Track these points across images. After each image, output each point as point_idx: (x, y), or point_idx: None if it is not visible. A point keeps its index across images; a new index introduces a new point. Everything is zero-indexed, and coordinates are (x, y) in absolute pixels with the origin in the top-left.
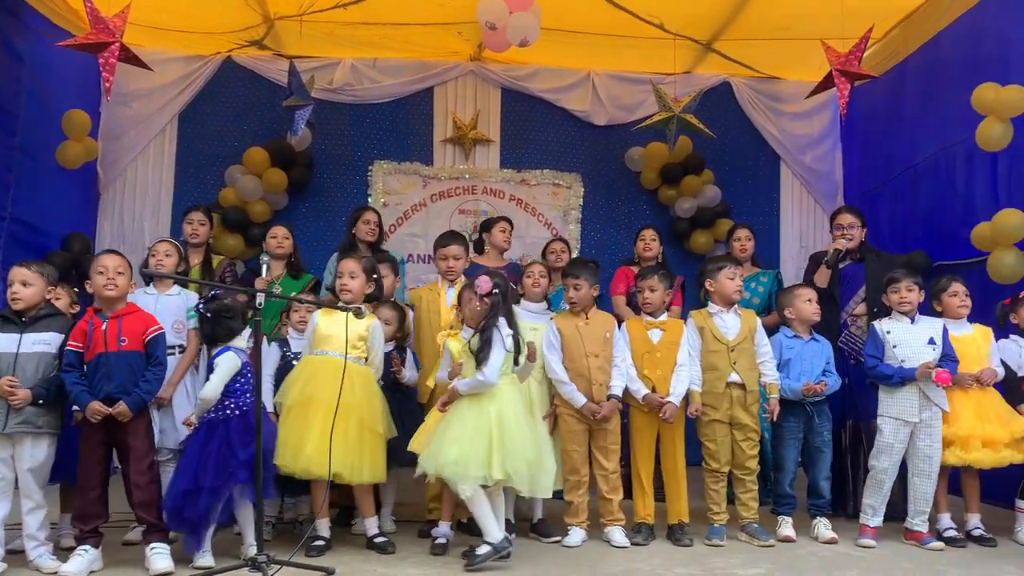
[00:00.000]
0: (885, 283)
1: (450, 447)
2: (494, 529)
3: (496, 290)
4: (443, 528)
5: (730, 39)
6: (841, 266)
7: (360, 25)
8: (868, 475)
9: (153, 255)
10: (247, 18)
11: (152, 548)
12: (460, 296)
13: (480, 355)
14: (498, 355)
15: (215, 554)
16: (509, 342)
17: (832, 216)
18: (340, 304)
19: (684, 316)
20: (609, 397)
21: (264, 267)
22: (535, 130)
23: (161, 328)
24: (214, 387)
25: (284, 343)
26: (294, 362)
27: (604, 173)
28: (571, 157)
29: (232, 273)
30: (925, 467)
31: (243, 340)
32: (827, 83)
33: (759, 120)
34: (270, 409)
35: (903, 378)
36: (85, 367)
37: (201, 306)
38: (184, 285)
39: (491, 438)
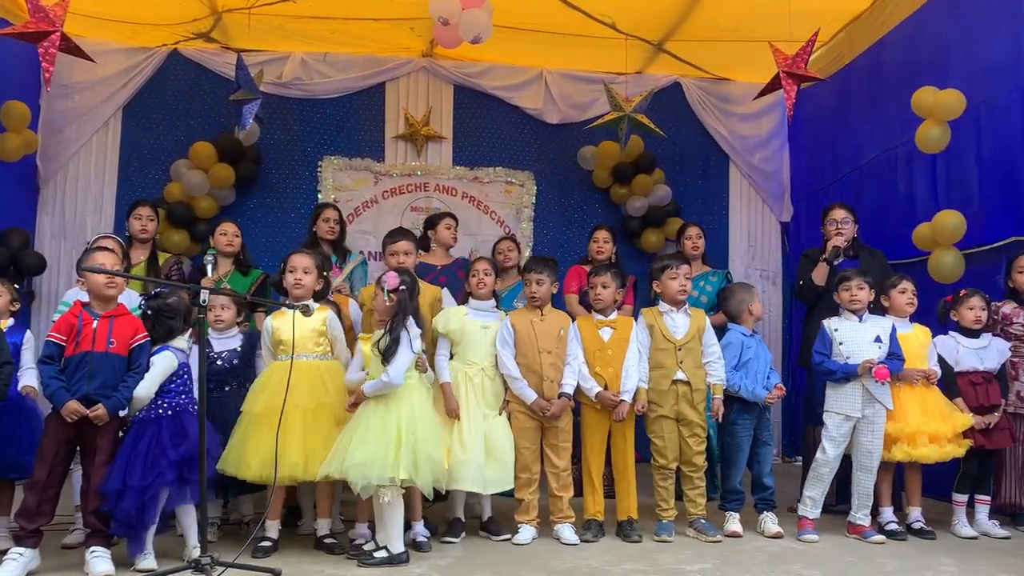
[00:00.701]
0: (836, 282)
1: (356, 449)
2: (397, 540)
3: (403, 287)
4: (419, 526)
5: (681, 40)
6: (835, 263)
7: (310, 19)
8: (810, 467)
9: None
10: (194, 10)
11: (92, 552)
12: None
13: (387, 355)
14: (404, 356)
15: (159, 556)
16: (417, 344)
17: (824, 212)
18: (288, 303)
19: (636, 315)
20: (560, 395)
21: (209, 266)
22: (488, 127)
23: (147, 336)
24: (148, 386)
25: (206, 344)
26: (218, 362)
27: (557, 171)
28: (524, 155)
29: (179, 271)
30: (867, 462)
31: (183, 340)
32: (775, 85)
33: (709, 120)
34: None
35: (846, 374)
36: (63, 361)
37: (142, 303)
38: (125, 283)
39: (399, 439)
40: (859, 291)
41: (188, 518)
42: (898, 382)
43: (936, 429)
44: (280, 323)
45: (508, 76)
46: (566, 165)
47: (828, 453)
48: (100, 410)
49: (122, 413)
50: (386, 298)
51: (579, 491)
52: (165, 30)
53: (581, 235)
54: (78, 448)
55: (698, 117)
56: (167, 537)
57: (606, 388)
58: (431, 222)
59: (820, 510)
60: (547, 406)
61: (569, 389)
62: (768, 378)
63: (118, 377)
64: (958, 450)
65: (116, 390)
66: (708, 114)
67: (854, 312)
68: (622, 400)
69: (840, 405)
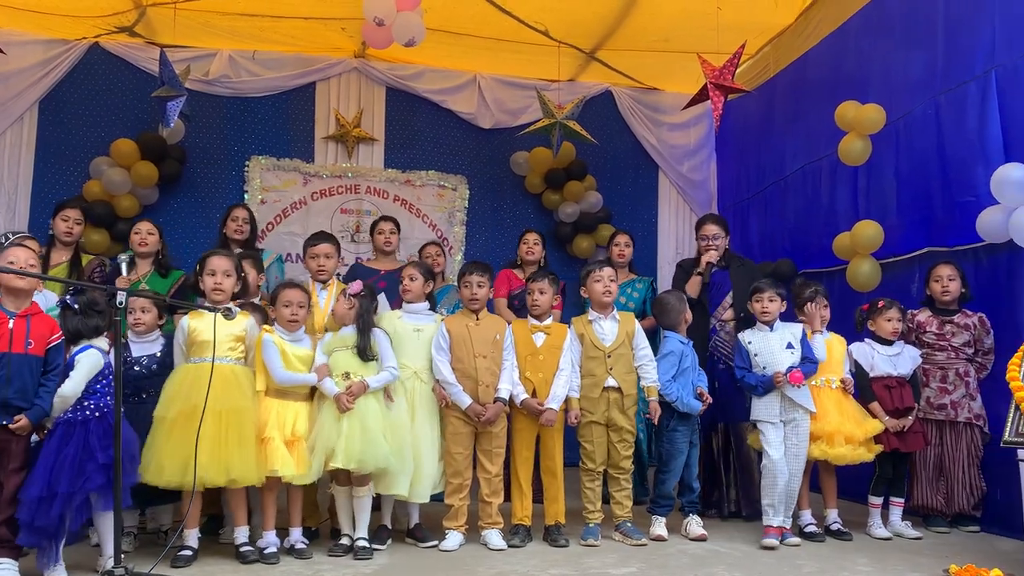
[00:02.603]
0: (750, 292)
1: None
2: (344, 527)
3: (363, 292)
4: (296, 534)
5: (612, 49)
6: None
7: (238, 16)
8: (761, 476)
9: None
10: (116, 3)
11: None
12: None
13: (369, 354)
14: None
15: (70, 567)
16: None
17: (697, 226)
18: (208, 306)
19: (564, 320)
20: (496, 399)
21: (123, 265)
22: (420, 131)
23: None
24: (75, 385)
25: (124, 347)
26: (135, 368)
27: (490, 176)
28: (457, 159)
29: (101, 272)
30: (794, 465)
31: (104, 341)
32: (702, 96)
33: (639, 129)
34: None
35: (765, 388)
36: None
37: (68, 298)
38: (42, 283)
39: (347, 430)
40: (770, 303)
41: (106, 527)
42: (811, 383)
43: (851, 431)
44: (199, 324)
45: (441, 80)
46: (499, 170)
47: (772, 457)
48: (22, 421)
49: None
50: (347, 304)
51: (507, 496)
52: (86, 22)
53: (513, 240)
54: None
55: (629, 126)
56: (79, 548)
57: (534, 394)
58: (372, 227)
59: (782, 516)
60: (482, 411)
61: (505, 394)
62: (693, 383)
63: (35, 379)
64: (867, 454)
65: (37, 395)
66: (638, 123)
67: (765, 323)
68: (548, 408)
69: (763, 413)
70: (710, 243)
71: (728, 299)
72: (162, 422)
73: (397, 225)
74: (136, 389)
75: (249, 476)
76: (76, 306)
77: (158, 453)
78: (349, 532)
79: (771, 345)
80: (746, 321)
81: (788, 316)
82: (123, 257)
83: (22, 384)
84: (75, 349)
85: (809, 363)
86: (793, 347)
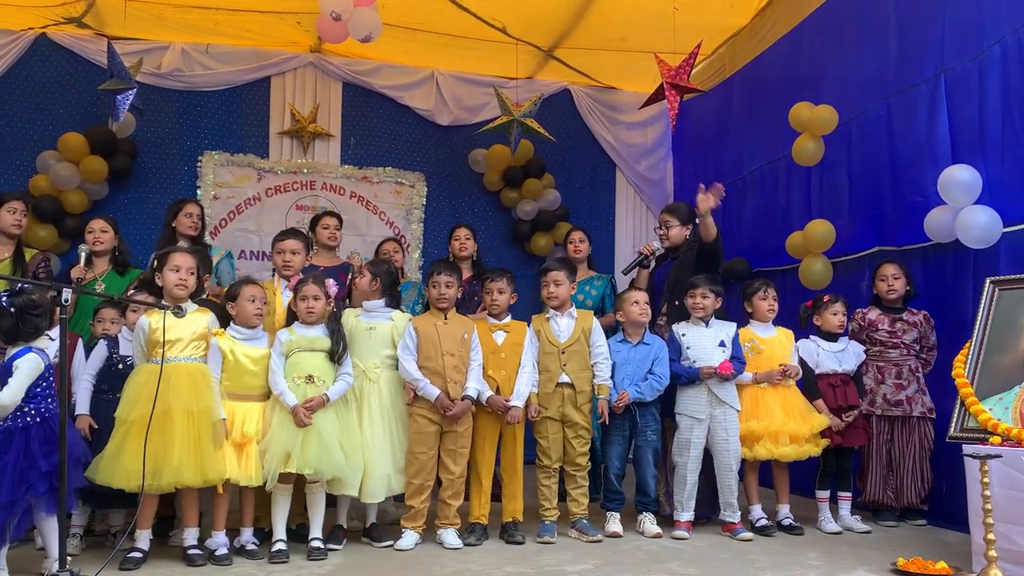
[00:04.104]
0: (686, 287)
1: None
2: (277, 530)
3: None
4: (247, 534)
5: (570, 48)
6: (643, 267)
7: (191, 8)
8: (674, 471)
9: None
10: None
11: None
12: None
13: (341, 354)
14: (348, 353)
15: (13, 572)
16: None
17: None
18: (159, 303)
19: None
20: (464, 397)
21: (83, 255)
22: (378, 127)
23: None
24: (13, 392)
25: (113, 343)
26: (119, 366)
27: (448, 173)
28: (415, 156)
29: (46, 268)
30: (725, 459)
31: (46, 341)
32: (659, 95)
33: (596, 128)
34: (85, 411)
35: (690, 378)
36: None
37: (4, 299)
38: None
39: (303, 437)
40: (703, 299)
41: (50, 530)
42: (762, 383)
43: (796, 429)
44: (159, 323)
45: (399, 76)
46: (457, 167)
47: (683, 457)
48: None
49: None
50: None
51: (466, 495)
52: (32, 12)
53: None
54: None
55: (587, 124)
56: (22, 551)
57: (498, 391)
58: (313, 222)
59: (692, 512)
60: (450, 405)
61: (473, 393)
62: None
63: None
64: (815, 449)
65: None
66: (596, 121)
67: (700, 319)
68: (514, 405)
69: (688, 408)
70: (660, 230)
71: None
72: (124, 424)
73: (341, 221)
74: (115, 387)
75: (223, 476)
76: (11, 308)
77: (125, 456)
78: (282, 536)
79: (704, 340)
80: (680, 311)
81: (738, 313)
82: (84, 249)
83: None
84: (12, 352)
85: (738, 363)
86: (725, 345)
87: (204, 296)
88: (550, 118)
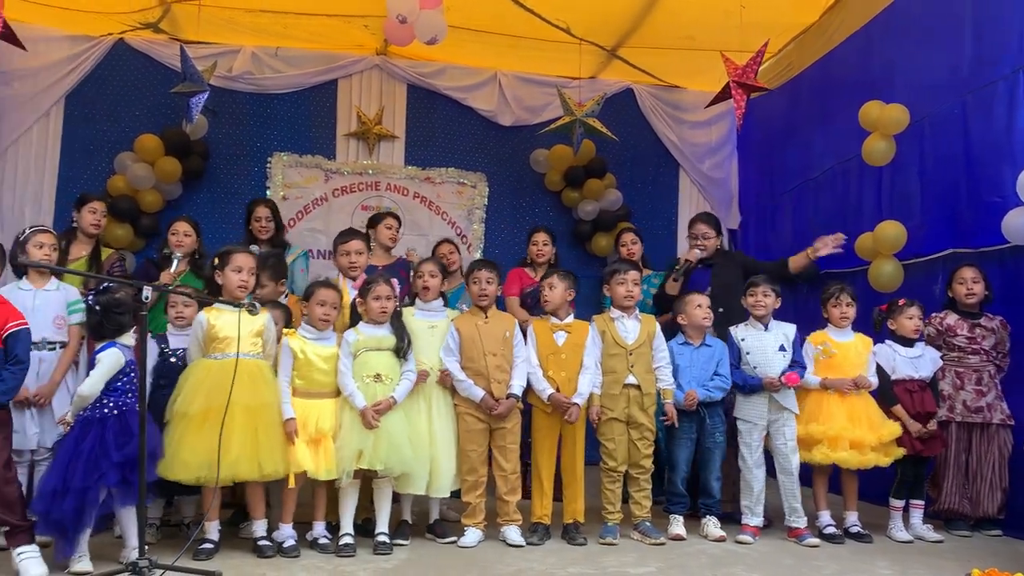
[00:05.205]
0: (745, 287)
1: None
2: (345, 524)
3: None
4: (319, 528)
5: (634, 47)
6: (683, 274)
7: (262, 13)
8: (739, 477)
9: (37, 246)
10: None
11: (20, 553)
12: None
13: (406, 350)
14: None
15: (95, 558)
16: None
17: (690, 224)
18: (234, 302)
19: (581, 318)
20: (509, 395)
21: (175, 260)
22: (441, 128)
23: (24, 323)
24: (94, 383)
25: (163, 339)
26: (172, 359)
27: (509, 173)
28: (476, 156)
29: (121, 267)
30: (784, 464)
31: (130, 337)
32: (725, 94)
33: (660, 127)
34: None
35: (752, 387)
36: None
37: (91, 298)
38: (60, 277)
39: (374, 434)
40: (764, 297)
41: (128, 519)
42: (830, 390)
43: (860, 436)
44: (217, 320)
45: (462, 77)
46: (518, 167)
47: (747, 460)
48: None
49: (67, 414)
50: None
51: (527, 493)
52: (111, 19)
53: None
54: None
55: (649, 123)
56: (102, 538)
57: (558, 392)
58: (372, 221)
59: (761, 517)
60: (495, 405)
61: (517, 390)
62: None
63: None
64: (884, 459)
65: None
66: (659, 121)
67: (759, 319)
68: (574, 404)
69: (747, 413)
70: (699, 241)
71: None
72: (184, 418)
73: (400, 222)
74: (171, 380)
75: (280, 470)
76: (97, 306)
77: (184, 449)
78: (350, 530)
79: (764, 345)
80: (725, 317)
81: (809, 315)
82: (177, 254)
83: None
84: (97, 347)
85: (799, 367)
86: (785, 349)
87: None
88: (612, 118)
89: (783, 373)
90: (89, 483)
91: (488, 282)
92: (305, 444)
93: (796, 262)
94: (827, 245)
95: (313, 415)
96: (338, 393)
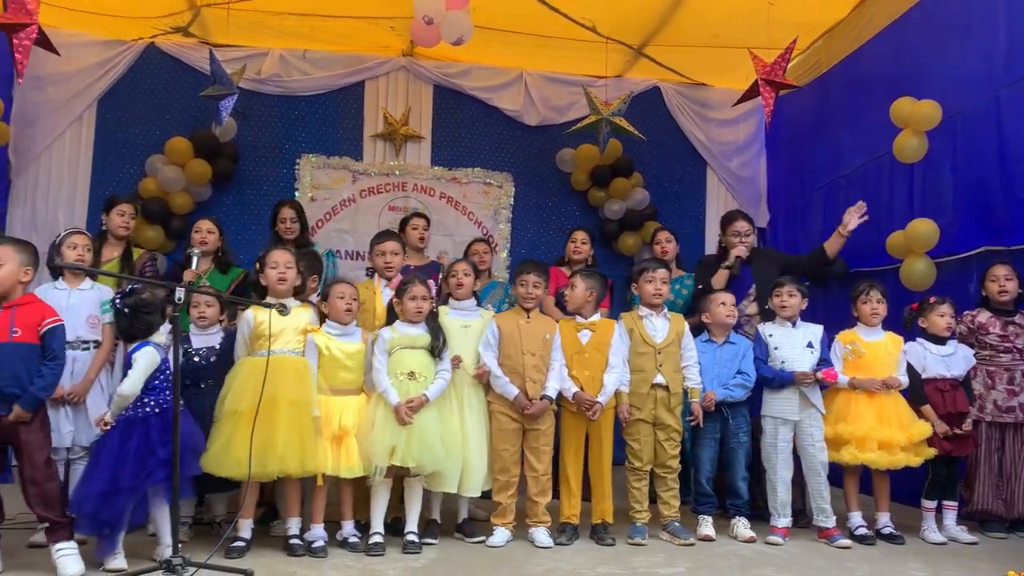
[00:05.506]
0: (771, 287)
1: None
2: (375, 523)
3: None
4: (348, 527)
5: (661, 45)
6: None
7: (289, 15)
8: (766, 475)
9: (71, 247)
10: (171, 4)
11: (59, 550)
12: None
13: (441, 349)
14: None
15: (128, 556)
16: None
17: (726, 221)
18: (264, 302)
19: (613, 318)
20: (543, 397)
21: (194, 258)
22: (467, 128)
23: (59, 320)
24: (132, 383)
25: (186, 339)
26: (195, 359)
27: (535, 173)
28: (502, 156)
29: (152, 267)
30: (811, 463)
31: (162, 336)
32: (753, 92)
33: (687, 125)
34: None
35: (781, 382)
36: None
37: (118, 301)
38: (94, 278)
39: (407, 431)
40: (789, 298)
41: (163, 517)
42: (858, 389)
43: (889, 436)
44: (265, 317)
45: (488, 77)
46: (544, 167)
47: (772, 460)
48: (17, 411)
49: (106, 414)
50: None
51: (556, 494)
52: (142, 23)
53: (559, 237)
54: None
55: (676, 122)
56: (135, 536)
57: (582, 390)
58: (402, 224)
59: (789, 518)
60: (528, 404)
61: (552, 392)
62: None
63: (31, 366)
64: (914, 459)
65: (31, 382)
66: (686, 119)
67: (786, 318)
68: (597, 401)
69: (777, 409)
70: (742, 239)
71: (752, 292)
72: (233, 415)
73: (428, 222)
74: (195, 380)
75: (319, 466)
76: (125, 308)
77: (236, 446)
78: (379, 529)
79: (792, 341)
80: (770, 314)
81: (839, 314)
82: (196, 251)
83: (13, 372)
84: (131, 348)
85: (827, 365)
86: (813, 347)
87: (307, 297)
88: (639, 116)
89: (819, 367)
90: (138, 482)
91: (535, 286)
92: (328, 442)
93: (831, 245)
94: (853, 217)
95: (336, 412)
96: (360, 390)
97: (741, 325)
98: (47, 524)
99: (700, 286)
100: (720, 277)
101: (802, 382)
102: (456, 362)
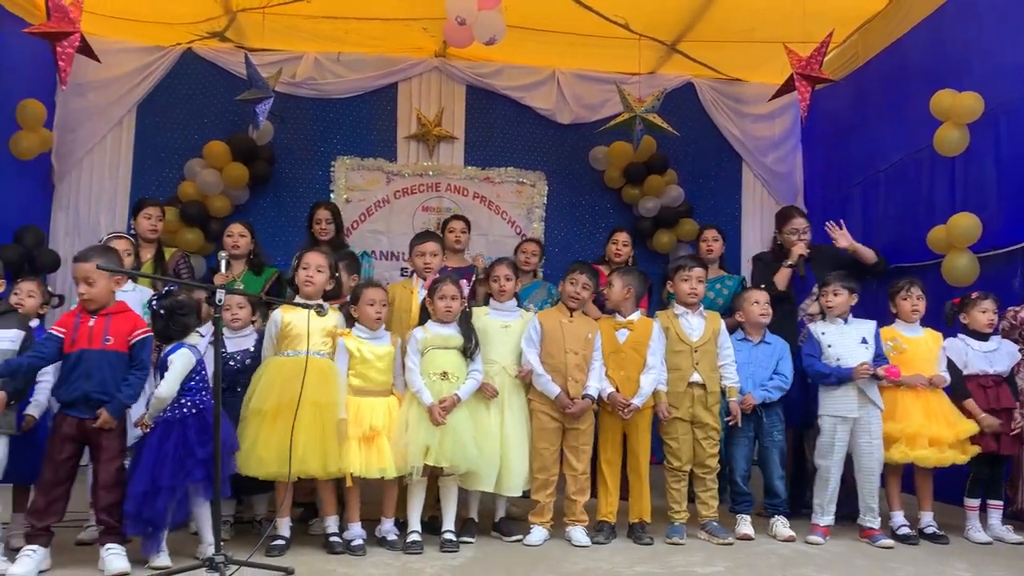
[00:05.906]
0: (820, 286)
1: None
2: (412, 521)
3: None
4: (387, 525)
5: (694, 40)
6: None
7: (323, 19)
8: (815, 474)
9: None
10: (208, 9)
11: (108, 548)
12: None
13: (473, 350)
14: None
15: (172, 554)
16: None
17: (782, 218)
18: (302, 302)
19: (649, 316)
20: (584, 396)
21: (223, 263)
22: (499, 128)
23: (149, 331)
24: (170, 385)
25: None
26: (230, 363)
27: (568, 171)
28: (535, 155)
29: (187, 266)
30: (868, 464)
31: (198, 337)
32: (789, 86)
33: (721, 121)
34: None
35: (840, 377)
36: (64, 359)
37: (155, 302)
38: (135, 281)
39: (440, 431)
40: (835, 296)
41: (205, 516)
42: (902, 386)
43: (938, 433)
44: (292, 318)
45: (520, 76)
46: (578, 165)
47: (827, 458)
48: (104, 415)
49: (142, 411)
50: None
51: (593, 492)
52: (179, 29)
53: (592, 235)
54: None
55: (711, 118)
56: (176, 534)
57: (617, 391)
58: (443, 225)
59: (832, 516)
60: (569, 403)
61: (593, 392)
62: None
63: (118, 374)
64: (961, 456)
65: (118, 389)
66: (721, 115)
67: (837, 316)
68: (630, 403)
69: (835, 408)
70: (800, 236)
71: (815, 291)
72: (258, 414)
73: (468, 224)
74: (231, 383)
75: (342, 468)
76: (162, 310)
77: (259, 445)
78: (417, 527)
79: (846, 338)
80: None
81: (878, 311)
82: (224, 254)
83: (102, 378)
84: (167, 349)
85: (883, 360)
86: (867, 342)
87: (342, 299)
88: (672, 113)
89: (878, 363)
90: (177, 482)
91: (584, 287)
92: (357, 443)
93: (863, 258)
94: (844, 237)
95: (367, 413)
96: (390, 392)
97: (803, 324)
98: (103, 527)
99: (764, 285)
100: (783, 276)
101: (861, 376)
102: (489, 391)
